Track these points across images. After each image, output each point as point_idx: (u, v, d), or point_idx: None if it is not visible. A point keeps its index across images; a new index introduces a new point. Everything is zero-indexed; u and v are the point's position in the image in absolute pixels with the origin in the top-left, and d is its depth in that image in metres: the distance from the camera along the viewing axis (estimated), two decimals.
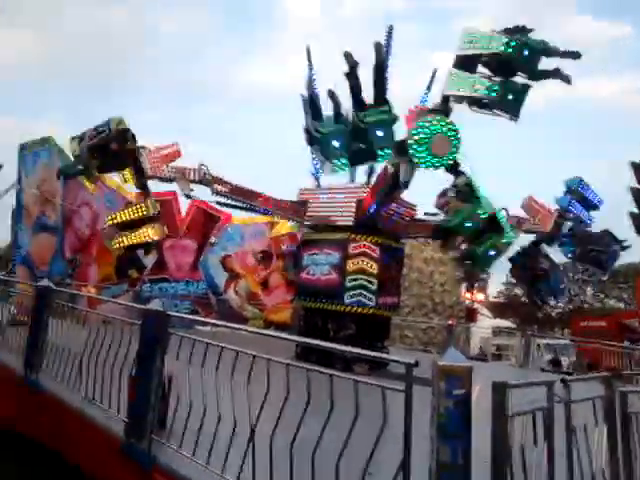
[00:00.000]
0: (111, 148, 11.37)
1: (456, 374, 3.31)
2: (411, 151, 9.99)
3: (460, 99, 10.42)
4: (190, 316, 12.88)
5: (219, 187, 12.29)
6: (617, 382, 4.77)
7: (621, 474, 4.29)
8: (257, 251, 20.47)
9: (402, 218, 12.24)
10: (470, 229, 11.28)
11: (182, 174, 12.11)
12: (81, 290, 15.49)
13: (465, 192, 11.14)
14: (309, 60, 12.80)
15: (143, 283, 18.84)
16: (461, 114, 10.48)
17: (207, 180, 12.15)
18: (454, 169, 11.09)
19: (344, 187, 12.57)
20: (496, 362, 20.55)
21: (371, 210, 11.54)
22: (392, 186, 11.01)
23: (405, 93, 13.52)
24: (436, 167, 10.27)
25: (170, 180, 12.29)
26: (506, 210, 12.07)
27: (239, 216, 19.55)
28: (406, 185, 10.83)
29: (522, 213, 13.51)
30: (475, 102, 10.43)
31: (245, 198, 12.59)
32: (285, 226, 19.31)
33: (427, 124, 10.01)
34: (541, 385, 4.12)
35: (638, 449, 4.48)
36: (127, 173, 12.43)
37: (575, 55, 10.16)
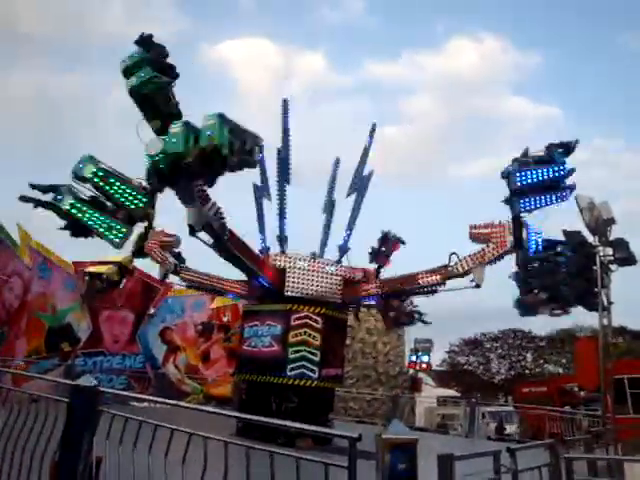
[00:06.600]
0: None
1: (401, 447, 3.19)
2: None
3: None
4: (125, 392, 12.25)
5: (186, 276, 12.66)
6: (561, 448, 4.75)
7: None
8: (198, 323, 19.98)
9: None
10: None
11: (163, 260, 12.41)
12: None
13: None
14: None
15: (76, 357, 17.94)
16: None
17: (176, 271, 12.50)
18: None
19: (327, 261, 12.55)
20: (441, 432, 20.32)
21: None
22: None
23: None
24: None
25: (157, 262, 12.43)
26: (456, 254, 11.18)
27: (179, 287, 19.15)
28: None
29: (475, 247, 11.27)
30: None
31: (210, 283, 12.92)
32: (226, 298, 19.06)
33: None
34: (487, 455, 4.04)
35: None
36: None
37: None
